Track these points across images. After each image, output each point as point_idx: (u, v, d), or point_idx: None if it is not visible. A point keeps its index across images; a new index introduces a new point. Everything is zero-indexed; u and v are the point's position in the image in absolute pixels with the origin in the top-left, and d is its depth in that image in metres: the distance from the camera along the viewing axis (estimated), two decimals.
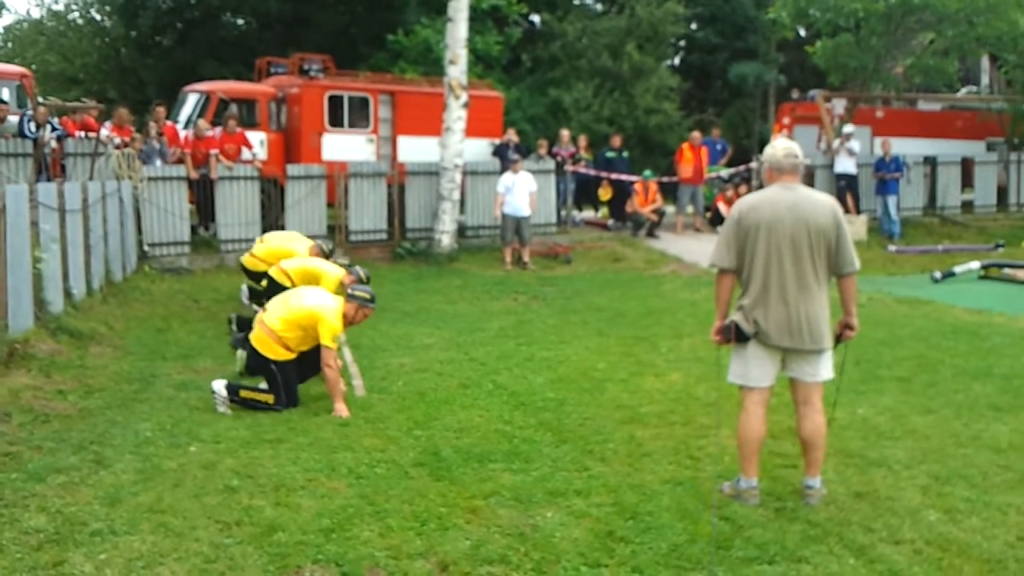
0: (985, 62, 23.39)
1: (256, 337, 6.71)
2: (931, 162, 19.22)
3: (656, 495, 4.99)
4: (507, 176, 14.26)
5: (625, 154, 18.23)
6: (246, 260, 9.83)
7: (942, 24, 17.17)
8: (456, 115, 14.46)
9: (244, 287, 10.37)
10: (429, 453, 5.65)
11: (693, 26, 29.25)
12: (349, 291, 6.92)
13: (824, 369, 4.85)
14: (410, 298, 11.81)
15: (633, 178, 16.98)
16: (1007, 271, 13.19)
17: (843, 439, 5.95)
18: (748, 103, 27.86)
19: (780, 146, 4.88)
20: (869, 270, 14.18)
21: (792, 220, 4.66)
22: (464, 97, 14.54)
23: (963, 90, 22.62)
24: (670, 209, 17.56)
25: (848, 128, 17.54)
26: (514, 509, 4.79)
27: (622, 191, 17.05)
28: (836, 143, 17.50)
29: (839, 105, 19.29)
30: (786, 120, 20.44)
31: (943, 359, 8.10)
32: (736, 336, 4.81)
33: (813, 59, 18.56)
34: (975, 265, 13.32)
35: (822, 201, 4.79)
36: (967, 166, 19.86)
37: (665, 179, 18.12)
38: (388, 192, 15.13)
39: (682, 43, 29.93)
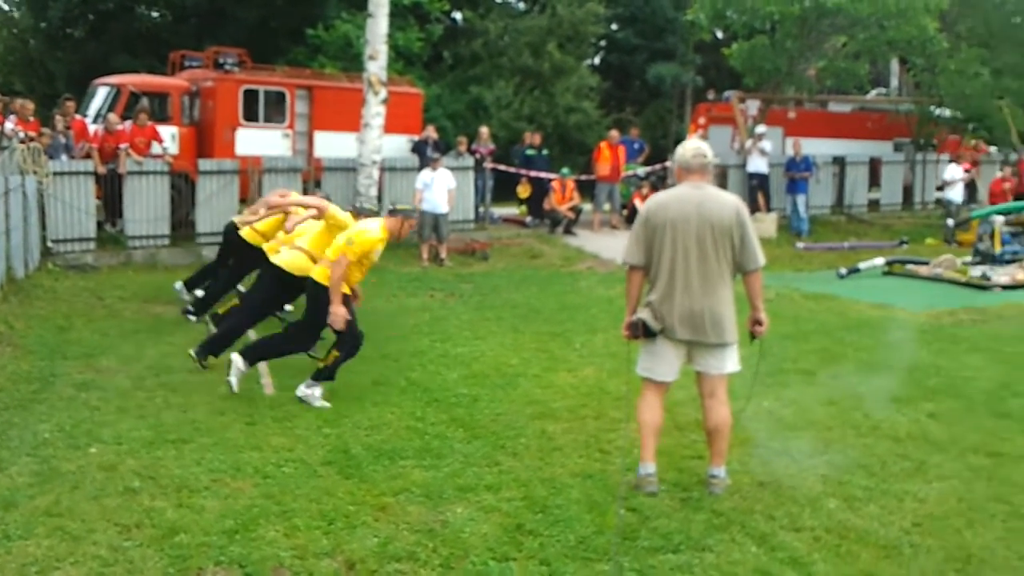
0: (895, 65, 24.15)
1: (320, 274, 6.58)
2: (840, 162, 19.76)
3: (565, 488, 5.03)
4: (425, 173, 14.18)
5: (545, 152, 18.33)
6: (247, 233, 9.22)
7: (854, 28, 17.67)
8: (375, 111, 14.33)
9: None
10: (339, 451, 5.59)
11: (614, 27, 29.56)
12: (391, 208, 6.96)
13: (729, 362, 4.95)
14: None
15: (551, 176, 17.08)
16: (910, 267, 13.64)
17: (749, 430, 6.06)
18: (666, 103, 28.26)
19: (690, 146, 4.98)
20: (778, 267, 14.48)
21: (698, 218, 4.77)
22: (383, 93, 14.42)
23: (872, 92, 23.30)
24: (587, 207, 17.70)
25: (760, 129, 17.93)
26: (424, 505, 4.77)
27: (541, 188, 17.14)
28: (749, 143, 17.86)
29: (753, 106, 19.71)
30: (702, 120, 20.79)
31: (846, 352, 8.35)
32: (643, 332, 4.89)
33: (729, 61, 18.88)
34: (879, 261, 13.72)
35: (727, 200, 4.90)
36: (875, 166, 20.47)
37: (583, 177, 18.27)
38: (304, 188, 14.93)
39: (602, 43, 30.22)
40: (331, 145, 16.13)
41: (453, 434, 5.98)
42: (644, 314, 4.91)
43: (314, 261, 6.89)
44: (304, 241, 7.28)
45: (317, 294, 6.55)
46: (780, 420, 6.33)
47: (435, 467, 5.33)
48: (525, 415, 6.42)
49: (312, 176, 15.06)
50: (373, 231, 6.55)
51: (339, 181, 14.80)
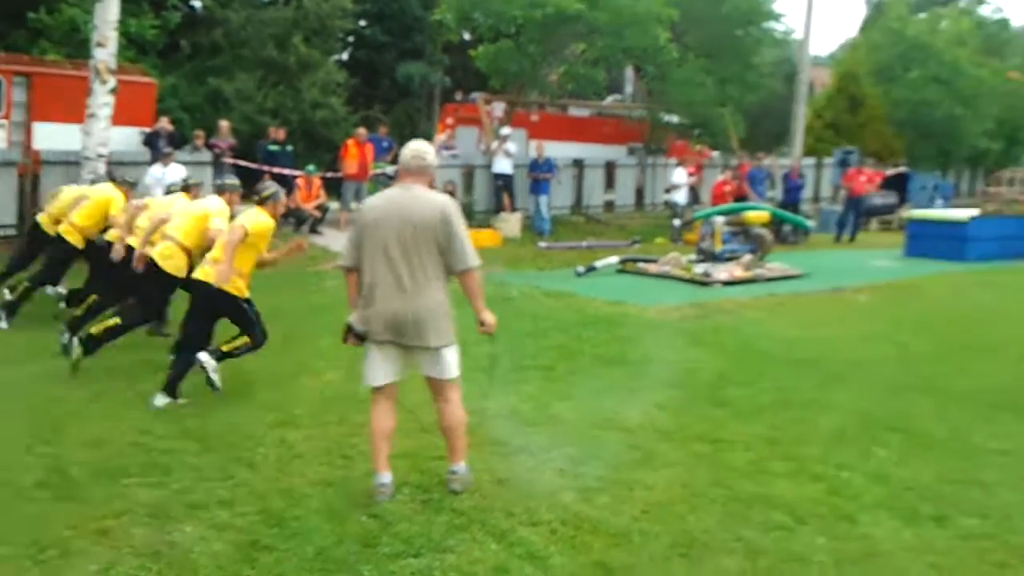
0: (629, 72, 25.52)
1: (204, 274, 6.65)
2: (579, 164, 20.64)
3: (305, 498, 4.88)
4: (156, 168, 13.37)
5: (289, 148, 17.83)
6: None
7: (593, 35, 18.43)
8: (102, 101, 13.31)
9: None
10: (55, 472, 5.13)
11: (363, 23, 29.29)
12: (259, 196, 6.90)
13: (447, 367, 4.92)
14: (36, 297, 10.70)
15: (296, 173, 16.64)
16: (641, 265, 14.41)
17: (489, 428, 6.15)
18: (415, 102, 28.36)
19: (410, 147, 4.96)
20: (522, 266, 14.96)
21: (400, 219, 4.71)
22: (112, 82, 13.42)
23: (609, 98, 24.49)
24: (334, 205, 17.42)
25: (505, 130, 18.38)
26: (149, 527, 4.47)
27: (285, 186, 16.63)
28: (495, 144, 18.26)
29: (499, 108, 20.16)
30: (449, 120, 21.07)
31: (583, 348, 8.67)
32: (352, 336, 4.83)
33: (476, 62, 19.19)
34: (614, 260, 14.40)
35: (434, 200, 4.83)
36: (610, 169, 21.57)
37: (329, 175, 17.95)
38: (20, 183, 13.69)
39: (351, 39, 29.87)
40: (52, 137, 14.86)
41: (183, 447, 5.64)
42: (352, 318, 4.86)
43: (188, 254, 7.24)
44: (176, 232, 7.34)
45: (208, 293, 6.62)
46: (520, 416, 6.46)
47: (163, 484, 5.00)
48: (264, 423, 6.16)
49: (30, 170, 13.81)
50: (264, 218, 6.75)
51: (60, 175, 13.62)
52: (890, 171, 24.65)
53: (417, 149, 4.91)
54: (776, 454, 5.67)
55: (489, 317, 4.98)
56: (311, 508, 4.75)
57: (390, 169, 18.44)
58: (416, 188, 4.84)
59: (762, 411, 6.63)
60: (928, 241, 16.72)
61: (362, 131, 17.29)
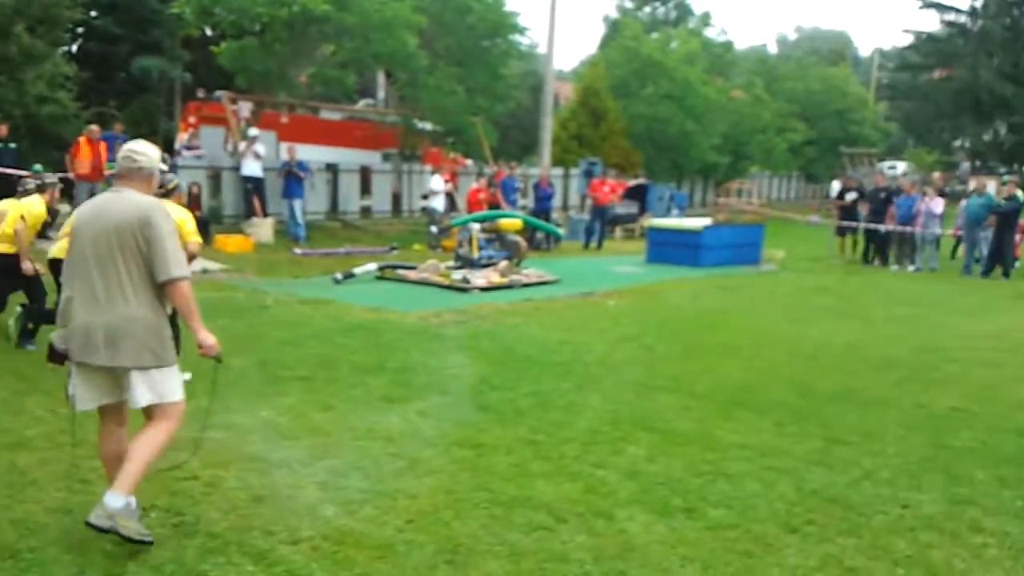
0: (381, 77, 25.39)
1: None
2: (333, 169, 20.28)
3: (41, 528, 4.43)
4: None
5: (12, 145, 16.29)
6: None
7: (342, 37, 18.13)
8: None
9: None
10: None
11: (93, 13, 27.27)
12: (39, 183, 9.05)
13: (151, 392, 4.31)
14: None
15: (22, 172, 15.18)
16: (400, 271, 14.36)
17: (245, 443, 5.87)
18: (153, 99, 26.75)
19: (124, 148, 4.47)
20: (276, 273, 14.52)
21: (101, 225, 4.24)
22: None
23: (361, 102, 24.26)
24: (64, 208, 16.05)
25: (253, 131, 17.72)
26: None
27: (8, 185, 15.16)
28: (243, 146, 17.56)
29: (246, 108, 19.42)
30: (192, 119, 20.07)
31: (342, 356, 8.46)
32: (52, 354, 4.41)
33: (219, 60, 18.36)
34: (372, 266, 14.27)
35: (137, 202, 4.30)
36: (365, 174, 21.35)
37: (61, 175, 16.53)
38: None
39: (80, 30, 27.74)
40: None
41: None
42: (54, 335, 4.36)
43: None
44: None
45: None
46: (278, 430, 6.19)
47: None
48: None
49: None
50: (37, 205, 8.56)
51: None
52: (631, 182, 26.08)
53: (129, 150, 4.41)
54: (536, 455, 5.76)
55: (208, 338, 4.41)
56: (48, 538, 4.31)
57: None
58: (126, 192, 4.34)
59: (522, 414, 6.72)
60: (667, 248, 17.78)
61: (95, 128, 16.10)
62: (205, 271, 13.89)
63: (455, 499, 4.99)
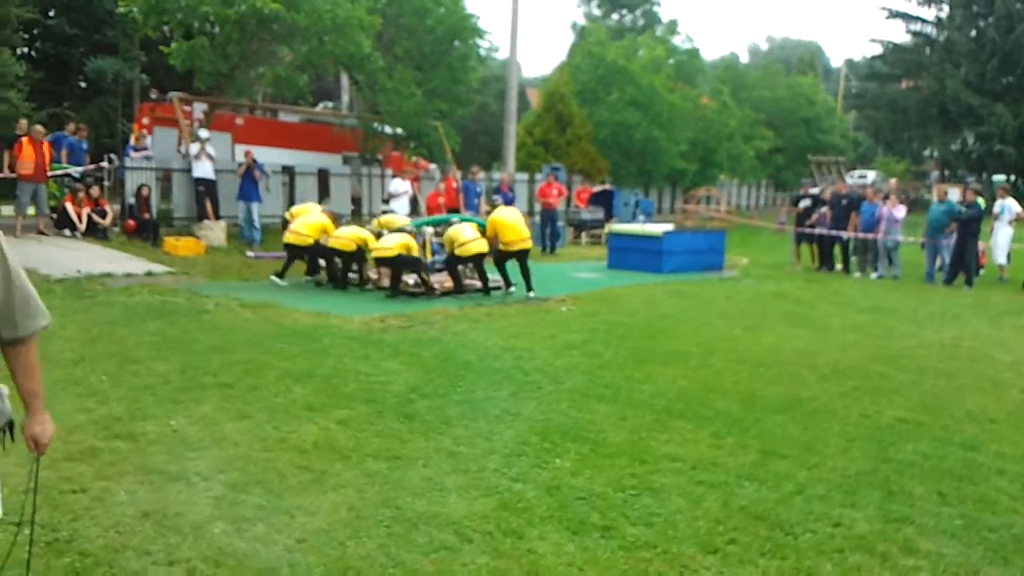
0: (345, 80, 24.99)
1: None
2: (290, 171, 19.87)
3: None
4: None
5: None
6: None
7: (294, 38, 17.71)
8: None
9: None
10: None
11: (51, 14, 26.74)
12: None
13: None
14: None
15: None
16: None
17: (147, 455, 5.52)
18: (110, 100, 26.24)
19: None
20: (224, 276, 14.14)
21: None
22: None
23: (320, 105, 23.86)
24: (7, 209, 15.64)
25: (204, 133, 17.29)
26: None
27: None
28: (194, 148, 17.13)
29: (199, 109, 18.99)
30: (146, 121, 19.62)
31: (272, 362, 8.10)
32: None
33: (169, 60, 17.91)
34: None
35: None
36: (324, 177, 20.93)
37: (4, 175, 16.09)
38: None
39: (36, 31, 27.19)
40: None
41: None
42: None
43: None
44: None
45: None
46: (184, 440, 5.83)
47: None
48: None
49: None
50: None
51: None
52: (597, 188, 25.85)
53: None
54: (454, 468, 5.43)
55: (45, 423, 3.06)
56: None
57: (77, 170, 16.89)
58: None
59: (449, 424, 6.40)
60: (628, 254, 17.54)
61: (39, 128, 15.58)
62: (149, 274, 13.48)
63: (356, 516, 4.65)
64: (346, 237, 13.42)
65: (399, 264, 12.96)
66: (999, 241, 17.20)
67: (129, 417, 6.27)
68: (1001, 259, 17.50)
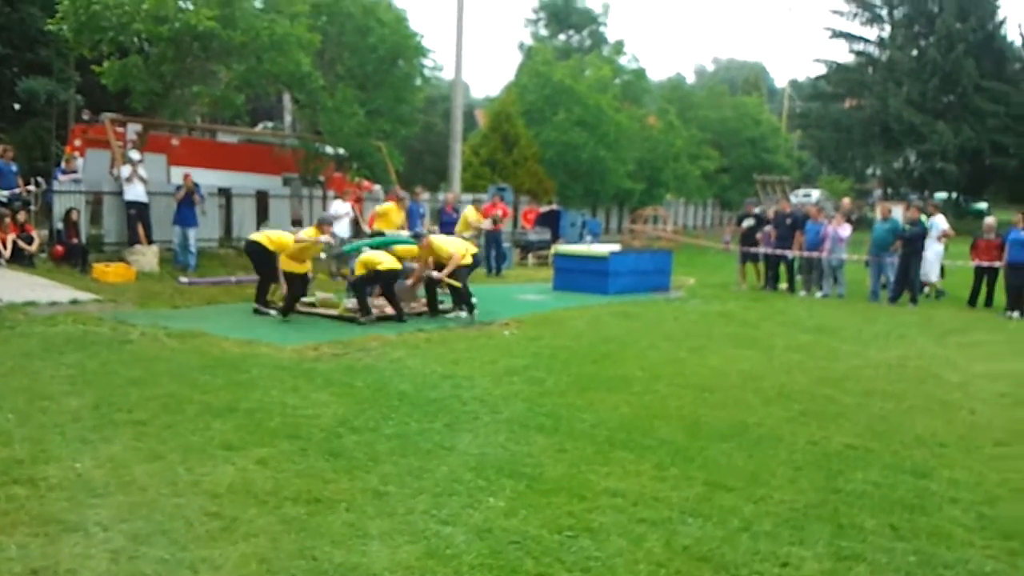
0: (287, 100, 24.51)
1: None
2: (227, 193, 19.35)
3: None
4: None
5: None
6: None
7: (231, 56, 17.24)
8: None
9: None
10: None
11: None
12: None
13: None
14: None
15: None
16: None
17: (46, 502, 5.07)
18: (44, 122, 25.45)
19: None
20: (154, 304, 13.57)
21: None
22: None
23: (260, 125, 23.35)
24: None
25: (135, 155, 16.72)
26: None
27: None
28: (126, 170, 16.55)
29: (132, 130, 18.41)
30: (78, 143, 19.00)
31: (193, 396, 7.64)
32: None
33: (102, 79, 17.32)
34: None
35: None
36: (263, 199, 20.41)
37: None
38: None
39: None
40: None
41: None
42: None
43: None
44: None
45: None
46: (88, 485, 5.38)
47: None
48: None
49: None
50: None
51: None
52: (544, 208, 25.62)
53: None
54: (380, 511, 5.06)
55: None
56: None
57: (3, 194, 16.21)
58: None
59: (378, 460, 6.02)
60: (573, 275, 17.28)
61: None
62: (75, 302, 12.89)
63: (267, 570, 4.27)
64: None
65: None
66: (928, 258, 17.18)
67: (31, 460, 5.80)
68: (932, 276, 17.58)
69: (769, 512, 5.24)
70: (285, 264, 12.81)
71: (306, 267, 13.12)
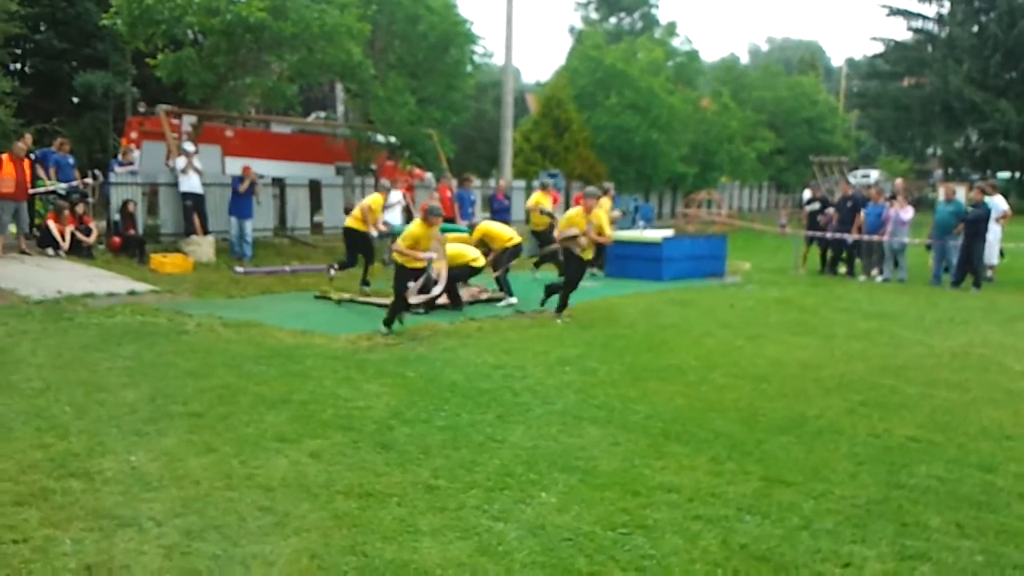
0: (340, 91, 24.60)
1: None
2: (280, 183, 19.50)
3: None
4: None
5: None
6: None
7: (282, 48, 17.32)
8: None
9: None
10: None
11: (43, 27, 26.40)
12: None
13: None
14: None
15: None
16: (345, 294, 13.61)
17: (100, 496, 5.11)
18: (101, 115, 25.88)
19: None
20: (210, 294, 13.72)
21: None
22: None
23: (312, 115, 23.48)
24: None
25: (189, 146, 16.91)
26: None
27: None
28: (180, 161, 16.75)
29: (187, 122, 18.62)
30: (134, 135, 19.26)
31: (247, 387, 7.68)
32: None
33: (156, 72, 17.53)
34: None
35: None
36: (316, 188, 20.55)
37: None
38: None
39: (30, 46, 26.85)
40: None
41: None
42: None
43: None
44: None
45: None
46: (142, 479, 5.41)
47: None
48: None
49: None
50: None
51: None
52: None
53: None
54: (431, 506, 5.02)
55: None
56: None
57: (63, 187, 16.50)
58: None
59: (429, 454, 5.98)
60: (627, 262, 17.11)
61: (20, 145, 15.20)
62: (132, 293, 13.09)
63: (318, 566, 4.24)
64: None
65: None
66: (988, 240, 16.69)
67: (87, 453, 5.86)
68: (994, 259, 17.12)
69: (830, 509, 5.09)
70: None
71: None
